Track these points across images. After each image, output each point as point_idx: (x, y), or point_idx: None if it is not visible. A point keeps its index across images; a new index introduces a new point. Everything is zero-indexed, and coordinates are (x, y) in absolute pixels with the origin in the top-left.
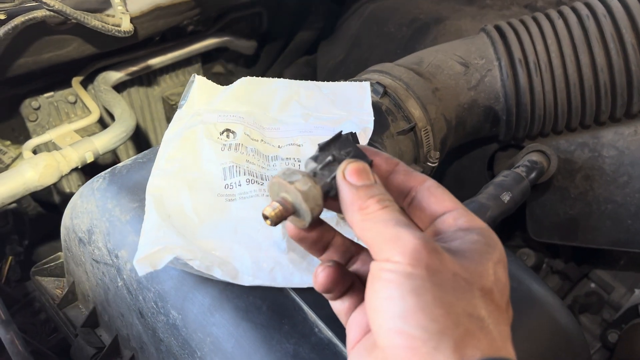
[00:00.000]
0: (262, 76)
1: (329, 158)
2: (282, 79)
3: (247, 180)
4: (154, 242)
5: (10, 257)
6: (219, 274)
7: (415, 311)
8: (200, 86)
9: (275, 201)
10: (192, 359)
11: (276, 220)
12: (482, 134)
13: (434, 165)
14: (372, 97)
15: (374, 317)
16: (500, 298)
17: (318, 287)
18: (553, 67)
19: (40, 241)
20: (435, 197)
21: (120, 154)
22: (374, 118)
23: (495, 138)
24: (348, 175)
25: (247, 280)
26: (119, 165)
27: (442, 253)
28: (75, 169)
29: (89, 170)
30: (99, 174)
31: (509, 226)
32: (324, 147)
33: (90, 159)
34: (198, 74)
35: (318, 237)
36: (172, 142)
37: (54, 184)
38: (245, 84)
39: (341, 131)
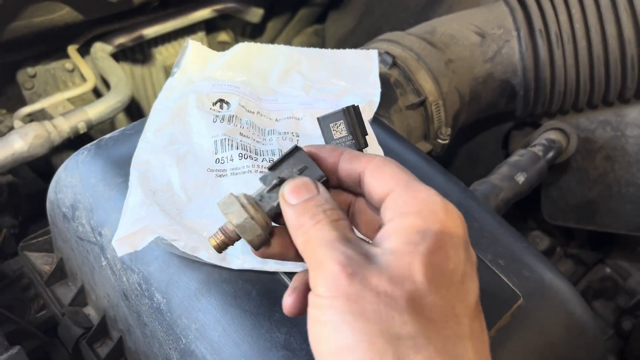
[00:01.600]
0: None
1: (276, 180)
2: (282, 45)
3: (240, 155)
4: (135, 221)
5: (4, 230)
6: (205, 256)
7: (342, 349)
8: (194, 52)
9: (219, 229)
10: (177, 346)
11: (220, 249)
12: (497, 110)
13: (444, 142)
14: (380, 67)
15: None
16: (441, 297)
17: (286, 312)
18: (576, 39)
19: (37, 214)
20: (378, 178)
21: (119, 126)
22: (380, 90)
23: (511, 115)
24: (287, 195)
25: (235, 264)
26: (106, 137)
27: (362, 274)
28: (70, 140)
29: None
30: (85, 146)
31: (522, 208)
32: (274, 167)
33: (83, 129)
34: (202, 42)
35: (280, 251)
36: (161, 112)
37: (48, 155)
38: (243, 50)
39: (296, 146)
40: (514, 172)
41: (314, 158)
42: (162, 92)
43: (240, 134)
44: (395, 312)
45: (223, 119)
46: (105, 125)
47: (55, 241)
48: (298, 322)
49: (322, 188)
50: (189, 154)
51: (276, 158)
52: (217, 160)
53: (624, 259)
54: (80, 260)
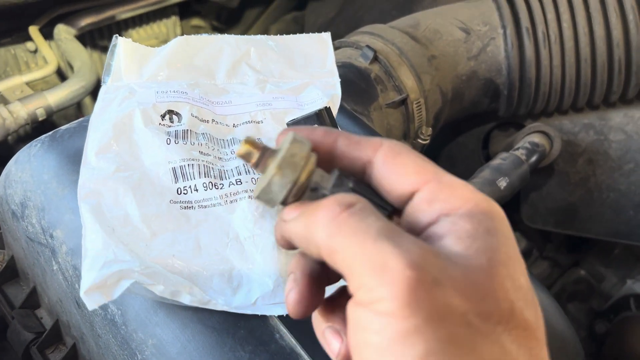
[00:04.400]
0: (245, 33)
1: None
2: (227, 35)
3: (205, 185)
4: (104, 266)
5: None
6: (187, 300)
7: None
8: (126, 51)
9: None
10: None
11: (245, 156)
12: (479, 109)
13: (424, 142)
14: (360, 62)
15: None
16: (526, 311)
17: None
18: (564, 39)
19: None
20: (397, 170)
21: (87, 114)
22: (341, 78)
23: (494, 114)
24: (286, 215)
25: (221, 306)
26: (62, 128)
27: (444, 285)
28: (33, 128)
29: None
30: (38, 138)
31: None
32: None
33: (42, 116)
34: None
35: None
36: (101, 129)
37: (10, 143)
38: (183, 45)
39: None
40: (495, 176)
41: None
42: (97, 103)
43: (200, 152)
44: (491, 337)
45: (177, 136)
46: (70, 111)
47: (5, 238)
48: (264, 339)
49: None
50: (143, 180)
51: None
52: (179, 190)
53: (599, 262)
54: (31, 261)
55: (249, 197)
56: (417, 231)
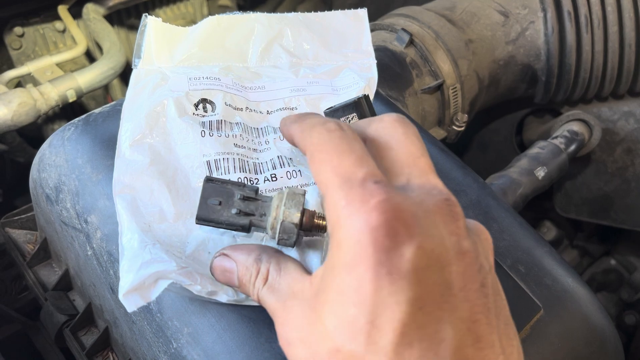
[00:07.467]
0: (273, 12)
1: None
2: (259, 13)
3: (240, 180)
4: (141, 267)
5: None
6: (224, 299)
7: None
8: (156, 33)
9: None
10: (167, 349)
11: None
12: (515, 95)
13: (460, 129)
14: (395, 46)
15: None
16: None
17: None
18: (607, 24)
19: (23, 183)
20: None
21: (114, 94)
22: (376, 61)
23: (529, 100)
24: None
25: (256, 303)
26: (95, 111)
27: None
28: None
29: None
30: (72, 121)
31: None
32: None
33: (72, 97)
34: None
35: None
36: (134, 118)
37: (38, 122)
38: (214, 25)
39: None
40: (533, 166)
41: None
42: (129, 89)
43: (235, 144)
44: None
45: (211, 127)
46: (98, 92)
47: (38, 220)
48: None
49: None
50: (178, 175)
51: (277, 172)
52: None
53: (630, 252)
54: (65, 244)
55: None
56: None
